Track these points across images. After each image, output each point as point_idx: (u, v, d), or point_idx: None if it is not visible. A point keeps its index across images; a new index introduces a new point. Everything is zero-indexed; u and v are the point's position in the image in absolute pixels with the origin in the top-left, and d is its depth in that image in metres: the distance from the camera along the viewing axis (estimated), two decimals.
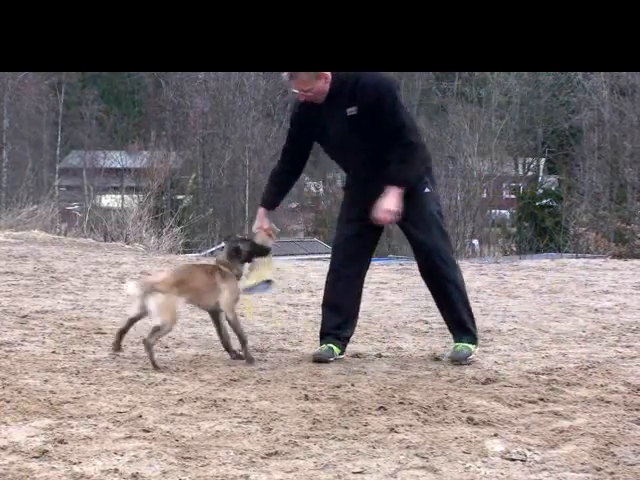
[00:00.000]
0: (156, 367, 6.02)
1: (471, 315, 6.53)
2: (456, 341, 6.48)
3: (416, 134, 6.23)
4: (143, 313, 6.18)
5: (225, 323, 6.41)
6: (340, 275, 6.53)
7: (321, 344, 6.57)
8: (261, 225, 6.49)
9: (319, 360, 6.38)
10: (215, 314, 6.42)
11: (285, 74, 6.15)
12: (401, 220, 6.31)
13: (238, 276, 6.40)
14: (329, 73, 6.14)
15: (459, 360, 6.33)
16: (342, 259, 6.53)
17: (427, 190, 6.40)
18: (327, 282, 6.64)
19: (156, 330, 6.06)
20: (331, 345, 6.51)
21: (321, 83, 6.14)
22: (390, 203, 6.12)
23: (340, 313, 6.57)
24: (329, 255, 6.74)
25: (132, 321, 6.32)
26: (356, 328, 6.76)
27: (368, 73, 6.18)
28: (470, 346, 6.43)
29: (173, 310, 6.09)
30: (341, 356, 6.54)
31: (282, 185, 6.66)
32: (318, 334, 6.71)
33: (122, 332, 6.36)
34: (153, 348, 6.10)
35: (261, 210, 6.57)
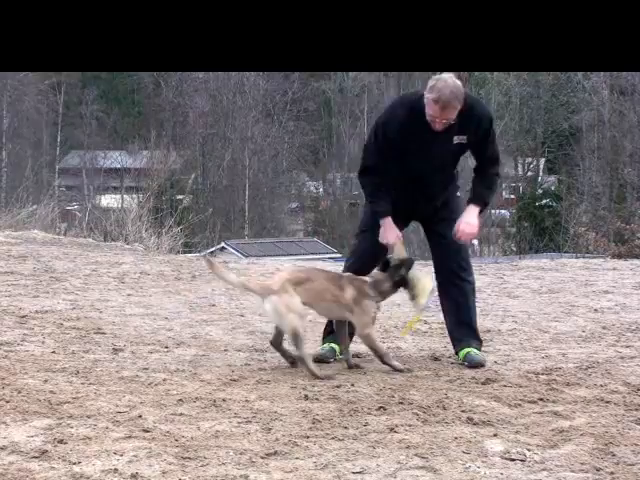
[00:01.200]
0: (318, 377, 5.87)
1: (476, 319, 6.56)
2: (464, 345, 6.42)
3: (501, 166, 6.58)
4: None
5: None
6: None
7: (323, 343, 6.57)
8: (396, 235, 6.35)
9: (320, 360, 6.38)
10: None
11: (436, 106, 5.98)
12: (432, 220, 6.54)
13: (378, 302, 6.28)
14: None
15: (477, 365, 6.29)
16: (360, 266, 6.50)
17: (459, 194, 6.65)
18: None
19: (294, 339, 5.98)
20: (333, 345, 6.51)
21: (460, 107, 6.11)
22: (472, 217, 6.34)
23: None
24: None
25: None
26: None
27: (478, 103, 6.39)
28: (479, 352, 6.41)
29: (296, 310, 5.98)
30: (342, 355, 6.54)
31: (388, 193, 6.45)
32: (320, 333, 6.71)
33: (275, 344, 6.23)
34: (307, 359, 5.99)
35: (388, 220, 6.35)
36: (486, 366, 6.31)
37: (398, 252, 6.29)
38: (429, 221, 6.59)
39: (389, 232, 6.34)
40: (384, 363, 6.18)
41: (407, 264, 6.26)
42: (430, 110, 6.06)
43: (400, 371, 6.09)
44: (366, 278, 6.25)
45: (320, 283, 6.12)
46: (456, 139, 6.24)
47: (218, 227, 44.21)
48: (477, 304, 6.74)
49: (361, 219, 6.91)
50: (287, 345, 6.25)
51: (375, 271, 6.33)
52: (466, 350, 6.39)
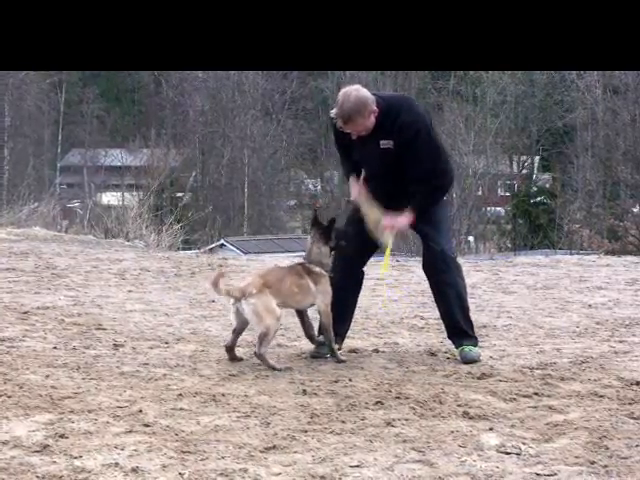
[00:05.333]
0: (277, 369, 6.00)
1: (468, 318, 6.55)
2: (457, 346, 6.50)
3: (443, 177, 6.40)
4: (243, 322, 6.15)
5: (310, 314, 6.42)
6: (346, 274, 6.56)
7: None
8: (359, 190, 6.43)
9: (316, 356, 6.44)
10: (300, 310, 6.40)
11: (339, 121, 6.10)
12: (415, 221, 6.53)
13: (328, 271, 6.38)
14: (376, 108, 6.11)
15: (471, 361, 6.35)
16: (351, 260, 6.57)
17: (445, 197, 6.69)
18: (331, 279, 6.66)
19: (263, 337, 6.02)
20: None
21: (372, 119, 6.13)
22: (402, 221, 6.34)
23: (340, 309, 6.62)
24: None
25: (237, 334, 6.24)
26: (353, 323, 6.82)
27: (408, 108, 6.24)
28: (473, 348, 6.46)
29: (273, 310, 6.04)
30: (339, 351, 6.59)
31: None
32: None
33: (230, 349, 6.26)
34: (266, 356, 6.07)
35: (353, 177, 6.50)
36: (481, 361, 6.36)
37: (365, 207, 6.38)
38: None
39: (353, 189, 6.49)
40: (330, 348, 6.32)
41: (337, 232, 6.38)
42: (338, 122, 6.14)
43: (339, 361, 6.27)
44: (302, 260, 6.40)
45: (287, 279, 6.22)
46: (382, 144, 6.23)
47: (217, 224, 44.19)
48: (472, 300, 6.78)
49: None
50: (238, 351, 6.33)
51: (307, 245, 6.45)
52: (461, 348, 6.45)
